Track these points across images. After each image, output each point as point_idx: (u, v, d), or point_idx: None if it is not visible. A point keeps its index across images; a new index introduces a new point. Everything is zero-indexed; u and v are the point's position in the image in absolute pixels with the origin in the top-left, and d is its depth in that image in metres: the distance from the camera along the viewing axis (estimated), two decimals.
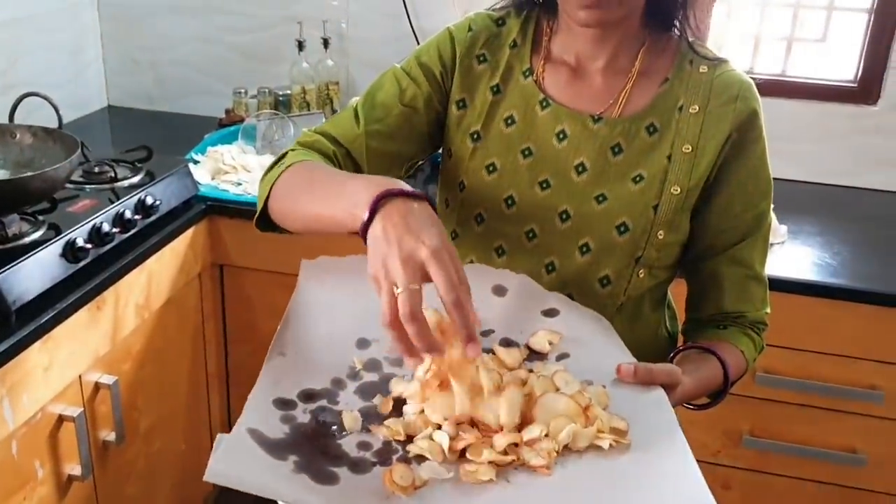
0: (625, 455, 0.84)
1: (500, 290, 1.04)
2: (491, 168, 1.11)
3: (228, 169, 2.06)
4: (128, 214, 1.69)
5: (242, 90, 2.38)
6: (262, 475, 0.78)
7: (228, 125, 2.31)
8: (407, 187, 0.86)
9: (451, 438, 0.83)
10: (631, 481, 0.81)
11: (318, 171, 1.01)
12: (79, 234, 1.57)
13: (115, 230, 1.65)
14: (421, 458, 0.83)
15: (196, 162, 2.08)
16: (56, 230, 1.56)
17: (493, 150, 1.11)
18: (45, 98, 1.67)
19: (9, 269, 1.42)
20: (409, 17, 2.30)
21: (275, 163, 1.07)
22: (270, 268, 1.95)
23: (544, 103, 1.09)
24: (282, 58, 2.41)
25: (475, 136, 1.11)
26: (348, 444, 0.85)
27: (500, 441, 0.83)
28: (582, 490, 0.80)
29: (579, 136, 1.07)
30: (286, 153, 1.08)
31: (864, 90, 2.15)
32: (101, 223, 1.62)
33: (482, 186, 1.11)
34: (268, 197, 1.03)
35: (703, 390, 1.05)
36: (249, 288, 2.05)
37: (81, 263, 1.57)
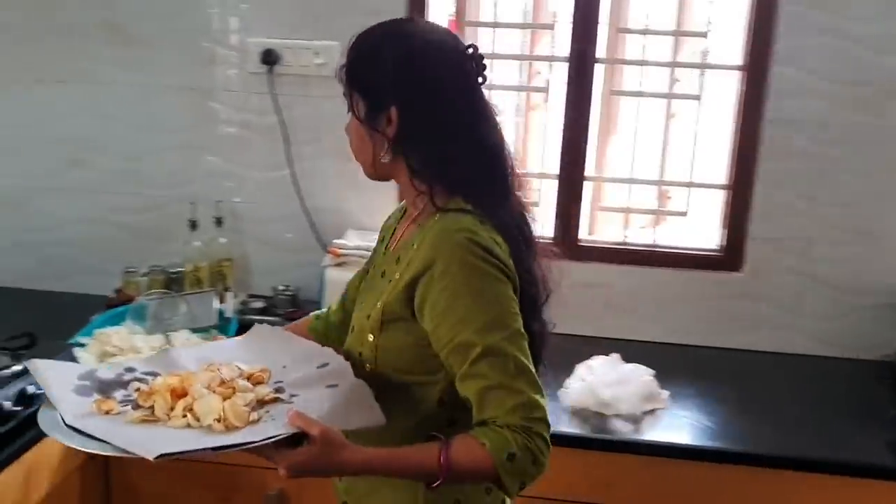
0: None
1: (322, 366, 1.34)
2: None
3: (116, 351, 2.02)
4: (7, 406, 1.64)
5: (133, 269, 2.38)
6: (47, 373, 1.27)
7: (118, 305, 2.28)
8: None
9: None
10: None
11: None
12: None
13: None
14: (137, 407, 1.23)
15: (82, 345, 2.03)
16: None
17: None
18: None
19: None
20: (300, 196, 2.38)
21: None
22: None
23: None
24: (173, 236, 2.44)
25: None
26: (118, 394, 1.27)
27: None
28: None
29: (382, 263, 1.41)
30: None
31: (730, 258, 2.33)
32: None
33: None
34: None
35: (402, 462, 1.21)
36: (136, 476, 1.98)
37: None
